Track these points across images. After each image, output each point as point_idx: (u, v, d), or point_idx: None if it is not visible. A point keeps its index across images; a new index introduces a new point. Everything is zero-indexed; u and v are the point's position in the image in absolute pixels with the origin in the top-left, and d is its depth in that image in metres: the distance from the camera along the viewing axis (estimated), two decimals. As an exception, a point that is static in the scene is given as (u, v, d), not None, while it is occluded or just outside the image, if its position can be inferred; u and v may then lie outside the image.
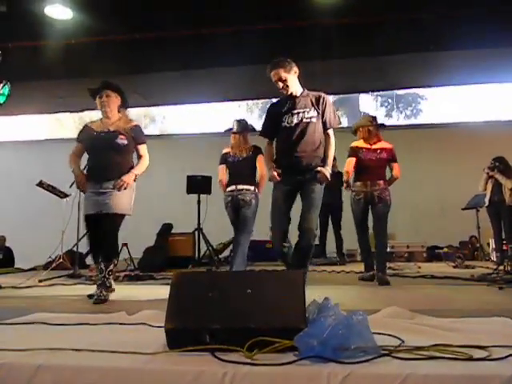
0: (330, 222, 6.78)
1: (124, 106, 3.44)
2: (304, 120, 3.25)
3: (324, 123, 3.31)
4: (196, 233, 6.22)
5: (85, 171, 3.43)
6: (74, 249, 5.71)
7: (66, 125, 10.07)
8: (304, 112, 3.26)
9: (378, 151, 4.38)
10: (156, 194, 8.14)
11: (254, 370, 1.36)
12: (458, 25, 6.15)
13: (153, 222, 6.58)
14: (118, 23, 6.78)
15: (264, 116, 3.49)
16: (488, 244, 6.91)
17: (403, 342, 1.57)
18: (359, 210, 4.29)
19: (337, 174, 6.46)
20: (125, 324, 2.10)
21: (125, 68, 6.87)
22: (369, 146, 4.41)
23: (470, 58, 6.68)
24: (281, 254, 3.27)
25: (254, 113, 10.81)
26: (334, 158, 5.57)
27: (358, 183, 4.30)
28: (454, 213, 7.54)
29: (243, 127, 4.54)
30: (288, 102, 3.31)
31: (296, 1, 6.37)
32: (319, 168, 3.22)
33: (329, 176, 3.24)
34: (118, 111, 3.40)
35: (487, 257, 6.75)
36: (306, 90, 3.36)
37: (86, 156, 3.42)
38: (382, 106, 11.00)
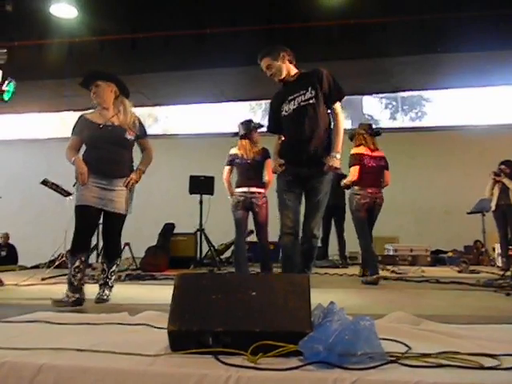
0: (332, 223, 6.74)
1: (123, 93, 3.22)
2: (301, 104, 2.96)
3: (326, 100, 2.96)
4: (198, 233, 6.19)
5: None
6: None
7: (70, 124, 10.06)
8: (300, 96, 2.97)
9: (378, 159, 4.55)
10: (158, 194, 8.13)
11: (257, 375, 1.33)
12: (465, 26, 6.11)
13: (155, 221, 6.57)
14: (122, 22, 6.79)
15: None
16: (493, 249, 6.85)
17: (410, 348, 1.54)
18: (363, 214, 4.40)
19: (341, 176, 6.43)
20: (127, 325, 2.08)
21: (129, 67, 6.86)
22: (370, 153, 4.53)
23: (477, 60, 6.64)
24: (283, 247, 2.99)
25: (257, 113, 10.77)
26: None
27: (363, 189, 4.41)
28: (459, 217, 7.48)
29: (246, 129, 4.53)
30: (284, 90, 3.09)
31: (300, 1, 6.35)
32: (326, 159, 2.89)
33: (338, 164, 2.88)
34: (116, 98, 3.19)
35: (492, 262, 6.69)
36: (301, 73, 3.10)
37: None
38: (386, 108, 10.92)
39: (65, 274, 4.90)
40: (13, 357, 1.52)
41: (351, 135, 4.77)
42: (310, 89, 2.95)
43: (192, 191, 6.27)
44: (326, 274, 5.38)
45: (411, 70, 7.25)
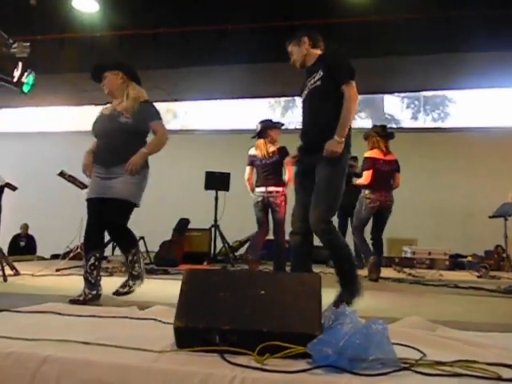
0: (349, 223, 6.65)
1: (132, 78, 3.07)
2: (310, 88, 2.75)
3: (333, 81, 2.65)
4: (212, 229, 6.18)
5: None
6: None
7: (90, 117, 10.18)
8: (313, 79, 2.74)
9: (391, 162, 4.67)
10: (174, 189, 8.16)
11: (263, 376, 1.29)
12: (493, 25, 5.93)
13: (170, 216, 6.57)
14: (142, 17, 6.80)
15: None
16: (515, 255, 6.66)
17: (425, 355, 1.48)
18: (368, 216, 4.65)
19: (356, 175, 6.33)
20: (135, 319, 2.07)
21: (148, 62, 6.87)
22: (383, 158, 4.63)
23: (503, 59, 6.44)
24: (291, 246, 2.74)
25: (276, 111, 10.71)
26: (355, 159, 5.52)
27: (374, 193, 4.56)
28: (480, 220, 7.29)
29: (262, 128, 4.61)
30: (306, 77, 2.86)
31: (326, -1, 6.27)
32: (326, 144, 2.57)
33: (338, 148, 2.54)
34: (127, 86, 3.04)
35: (514, 268, 6.50)
36: (319, 55, 2.85)
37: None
38: (407, 107, 10.73)
39: (79, 266, 5.00)
40: (18, 347, 1.52)
41: (366, 136, 4.83)
42: (319, 71, 2.71)
43: (208, 187, 6.26)
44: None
45: (435, 69, 7.08)
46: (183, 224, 6.51)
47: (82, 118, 10.50)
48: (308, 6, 6.26)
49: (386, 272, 4.96)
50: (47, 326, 1.91)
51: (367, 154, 4.65)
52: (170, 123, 9.96)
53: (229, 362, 1.38)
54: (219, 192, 6.30)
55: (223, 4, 6.53)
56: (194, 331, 1.51)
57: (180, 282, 1.67)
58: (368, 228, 4.81)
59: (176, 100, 9.22)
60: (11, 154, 9.81)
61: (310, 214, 2.58)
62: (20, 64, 4.18)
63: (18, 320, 2.05)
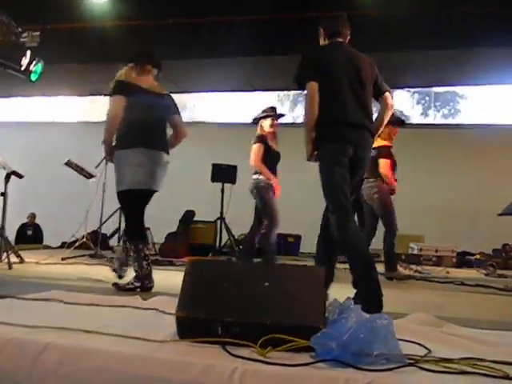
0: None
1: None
2: None
3: None
4: (218, 222, 6.16)
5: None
6: (98, 230, 5.76)
7: (99, 108, 10.20)
8: None
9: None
10: (181, 181, 8.13)
11: (265, 369, 1.27)
12: (506, 21, 5.82)
13: (176, 208, 6.56)
14: (151, 8, 6.75)
15: None
16: (523, 253, 6.58)
17: (430, 351, 1.45)
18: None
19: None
20: (138, 308, 2.06)
21: (157, 53, 6.84)
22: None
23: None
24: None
25: (284, 104, 10.63)
26: None
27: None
28: (489, 218, 7.19)
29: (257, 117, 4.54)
30: None
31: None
32: None
33: (307, 154, 2.66)
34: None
35: (522, 267, 6.43)
36: None
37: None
38: (418, 103, 10.59)
39: (84, 255, 5.03)
40: (19, 334, 1.51)
41: None
42: None
43: (214, 179, 6.23)
44: (345, 269, 5.24)
45: (446, 65, 6.98)
46: (189, 216, 6.51)
47: (90, 108, 10.52)
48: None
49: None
50: (49, 314, 1.90)
51: (386, 143, 4.42)
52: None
53: (230, 353, 1.36)
54: (225, 185, 6.27)
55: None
56: (196, 322, 1.49)
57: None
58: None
59: (185, 92, 9.19)
60: (19, 143, 9.85)
61: None
62: (28, 52, 4.17)
63: (20, 307, 2.05)
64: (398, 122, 4.54)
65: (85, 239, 5.38)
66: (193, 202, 6.78)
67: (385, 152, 4.36)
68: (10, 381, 1.39)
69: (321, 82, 2.62)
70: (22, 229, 8.34)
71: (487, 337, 1.73)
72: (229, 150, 7.51)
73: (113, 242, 6.63)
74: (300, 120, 8.64)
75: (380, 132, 2.91)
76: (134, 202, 3.02)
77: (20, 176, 4.30)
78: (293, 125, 8.31)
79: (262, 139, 4.40)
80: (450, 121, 10.27)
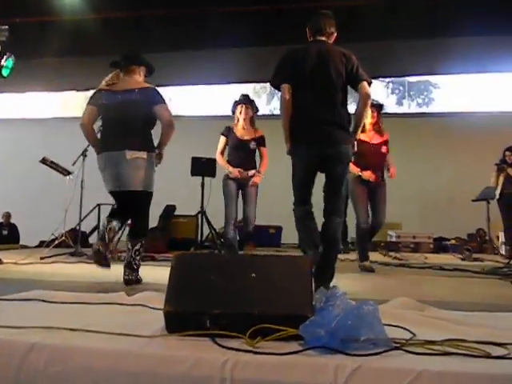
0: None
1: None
2: None
3: None
4: (199, 216, 6.14)
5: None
6: (77, 227, 5.66)
7: (72, 104, 9.99)
8: None
9: None
10: (160, 175, 8.02)
11: (256, 359, 1.28)
12: (477, 9, 5.92)
13: (156, 203, 6.47)
14: (124, 0, 6.62)
15: None
16: (497, 237, 6.78)
17: (414, 335, 1.49)
18: None
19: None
20: (123, 305, 2.04)
21: (131, 46, 6.71)
22: None
23: (489, 44, 6.47)
24: None
25: (261, 97, 10.62)
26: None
27: None
28: (463, 204, 7.40)
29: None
30: None
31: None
32: None
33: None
34: None
35: (496, 250, 6.63)
36: None
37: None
38: (392, 93, 10.76)
39: (63, 254, 4.94)
40: (4, 335, 1.49)
41: None
42: None
43: (194, 173, 6.19)
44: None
45: (420, 54, 7.08)
46: (169, 210, 6.45)
47: (63, 104, 10.29)
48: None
49: (372, 256, 4.99)
50: (33, 314, 1.87)
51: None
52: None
53: (220, 345, 1.37)
54: (206, 178, 6.24)
55: (206, -14, 6.40)
56: (184, 316, 1.49)
57: (167, 269, 1.65)
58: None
59: (159, 85, 9.07)
60: (-9, 141, 9.59)
61: None
62: (-1, 47, 4.05)
63: (2, 308, 2.00)
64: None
65: (64, 237, 5.28)
66: (173, 197, 6.73)
67: None
68: (-3, 383, 1.37)
69: (293, 84, 2.80)
70: (-3, 229, 8.15)
71: (468, 318, 1.79)
72: (207, 144, 7.47)
73: (92, 239, 6.54)
74: (277, 112, 8.63)
75: (362, 122, 2.93)
76: (116, 201, 3.21)
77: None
78: (271, 117, 8.30)
79: (224, 131, 4.47)
80: (424, 109, 10.46)
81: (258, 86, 10.30)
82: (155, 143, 3.22)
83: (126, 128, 3.02)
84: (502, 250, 6.36)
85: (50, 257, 4.68)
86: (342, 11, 6.26)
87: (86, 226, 5.85)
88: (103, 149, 3.08)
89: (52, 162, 5.25)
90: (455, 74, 8.54)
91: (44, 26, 6.93)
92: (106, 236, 2.95)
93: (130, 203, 3.09)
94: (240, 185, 4.33)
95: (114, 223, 2.99)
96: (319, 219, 2.82)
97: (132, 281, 3.02)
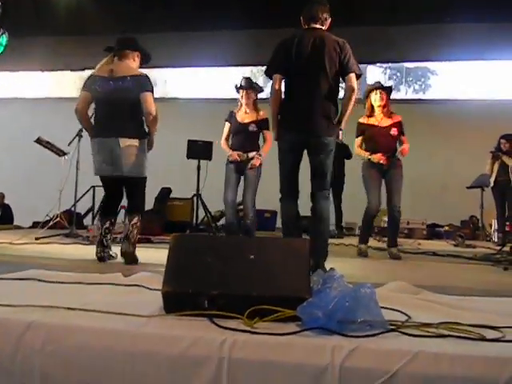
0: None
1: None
2: None
3: None
4: (195, 198, 6.13)
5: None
6: (72, 209, 5.64)
7: (65, 84, 9.87)
8: None
9: None
10: (156, 158, 7.97)
11: (253, 338, 1.29)
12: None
13: (152, 186, 6.46)
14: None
15: None
16: (490, 225, 6.85)
17: (410, 317, 1.51)
18: None
19: (341, 146, 6.33)
20: (120, 285, 2.05)
21: (125, 27, 6.60)
22: None
23: (488, 32, 6.42)
24: None
25: (258, 80, 10.53)
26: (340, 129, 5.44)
27: None
28: (457, 191, 7.44)
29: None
30: None
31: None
32: None
33: None
34: None
35: (488, 237, 6.71)
36: None
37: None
38: (390, 78, 10.71)
39: (59, 234, 4.93)
40: (1, 314, 1.48)
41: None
42: None
43: (190, 156, 6.16)
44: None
45: (418, 40, 7.02)
46: (165, 193, 6.44)
47: (57, 83, 10.15)
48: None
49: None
50: (30, 293, 1.87)
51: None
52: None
53: (218, 325, 1.37)
54: (202, 161, 6.21)
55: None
56: (182, 296, 1.50)
57: (163, 250, 1.65)
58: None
59: (155, 67, 8.95)
60: (-17, 120, 9.47)
61: None
62: (-9, 25, 3.98)
63: (-1, 287, 2.00)
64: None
65: (59, 218, 5.27)
66: (169, 180, 6.71)
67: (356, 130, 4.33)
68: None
69: (286, 73, 2.90)
70: (-9, 209, 8.10)
71: (462, 302, 1.81)
72: (204, 127, 7.43)
73: (87, 221, 6.53)
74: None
75: (348, 112, 2.95)
76: (104, 185, 3.36)
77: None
78: (266, 100, 8.26)
79: (228, 116, 4.48)
80: (420, 96, 10.44)
81: (255, 68, 10.20)
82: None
83: (118, 115, 3.09)
84: (495, 238, 6.42)
85: (45, 237, 4.67)
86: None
87: (80, 208, 5.83)
88: (96, 134, 3.18)
89: (47, 142, 5.21)
90: (453, 60, 8.49)
91: (39, 4, 6.78)
92: (104, 240, 3.17)
93: (120, 188, 3.26)
94: (240, 169, 4.33)
95: (108, 223, 3.22)
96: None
97: (130, 254, 3.13)
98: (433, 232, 7.06)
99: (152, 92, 3.17)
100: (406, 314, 1.54)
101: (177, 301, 1.50)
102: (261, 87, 4.58)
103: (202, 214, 6.27)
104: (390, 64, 10.17)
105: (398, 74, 10.61)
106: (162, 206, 6.23)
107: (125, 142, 3.06)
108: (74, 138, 4.99)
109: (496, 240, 6.23)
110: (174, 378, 1.26)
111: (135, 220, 3.17)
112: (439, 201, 8.07)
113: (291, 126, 2.88)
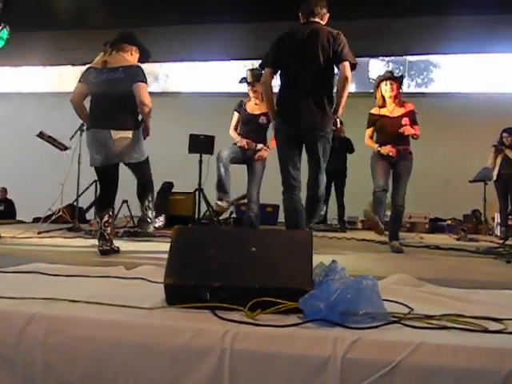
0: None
1: None
2: None
3: None
4: (197, 193, 6.13)
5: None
6: (75, 203, 5.65)
7: (68, 79, 9.87)
8: None
9: None
10: (158, 152, 7.96)
11: (255, 330, 1.29)
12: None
13: (154, 180, 6.46)
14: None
15: None
16: (493, 218, 6.83)
17: (412, 310, 1.50)
18: None
19: (343, 140, 6.32)
20: (123, 278, 2.05)
21: (127, 21, 6.57)
22: None
23: (491, 24, 6.37)
24: None
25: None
26: (341, 122, 5.37)
27: None
28: (460, 185, 7.42)
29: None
30: None
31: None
32: None
33: None
34: None
35: (491, 231, 6.69)
36: None
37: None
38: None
39: (61, 229, 4.95)
40: (3, 306, 1.49)
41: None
42: None
43: (191, 150, 6.16)
44: (324, 236, 5.35)
45: (421, 33, 6.97)
46: (167, 187, 6.44)
47: (59, 78, 10.14)
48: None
49: (368, 235, 5.04)
50: (33, 286, 1.87)
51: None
52: (151, 86, 9.69)
53: (220, 317, 1.37)
54: (203, 155, 6.20)
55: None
56: (184, 288, 1.50)
57: (165, 244, 1.64)
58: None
59: (156, 61, 8.91)
60: (-14, 115, 9.48)
61: None
62: (-8, 18, 3.97)
63: (1, 280, 2.01)
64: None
65: (61, 213, 5.28)
66: (170, 174, 6.71)
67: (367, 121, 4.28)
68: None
69: (280, 67, 2.97)
70: (-7, 204, 8.13)
71: (465, 295, 1.80)
72: (205, 121, 7.42)
73: (89, 215, 6.53)
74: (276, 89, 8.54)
75: (344, 102, 2.94)
76: (99, 177, 3.39)
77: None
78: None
79: (237, 106, 4.49)
80: (423, 89, 10.39)
81: (256, 63, 10.19)
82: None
83: (111, 106, 3.10)
84: (497, 231, 6.41)
85: (47, 231, 4.68)
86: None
87: (83, 202, 5.84)
88: (90, 126, 3.21)
89: (49, 136, 5.20)
90: (456, 53, 8.44)
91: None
92: (105, 234, 3.18)
93: (114, 180, 3.28)
94: (246, 158, 4.34)
95: (106, 217, 3.21)
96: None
97: (148, 233, 3.42)
98: (435, 226, 7.05)
99: (145, 82, 3.17)
100: (409, 307, 1.54)
101: (179, 293, 1.50)
102: None
103: (204, 208, 6.28)
104: (392, 57, 10.12)
105: (401, 68, 10.55)
106: (164, 201, 6.24)
107: (117, 134, 3.08)
108: (76, 132, 4.99)
109: (499, 234, 6.22)
110: (176, 369, 1.26)
111: (147, 203, 3.36)
112: (442, 195, 8.05)
113: (287, 118, 2.92)
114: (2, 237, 4.16)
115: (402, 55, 9.43)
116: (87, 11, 6.48)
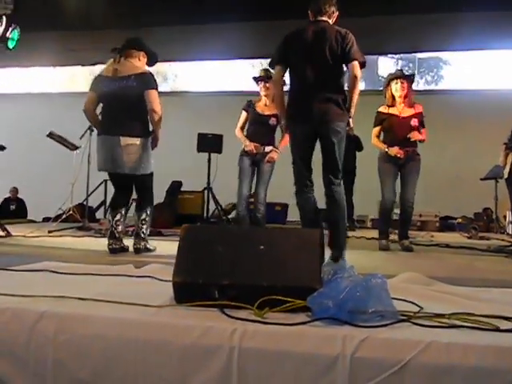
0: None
1: None
2: None
3: None
4: (205, 191, 6.15)
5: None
6: (84, 202, 5.70)
7: (79, 79, 9.95)
8: None
9: None
10: (167, 151, 7.99)
11: (264, 328, 1.29)
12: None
13: (163, 179, 6.50)
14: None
15: None
16: (504, 217, 6.75)
17: (422, 308, 1.49)
18: None
19: (352, 138, 6.28)
20: (132, 276, 2.06)
21: (135, 21, 6.60)
22: None
23: (501, 20, 6.30)
24: None
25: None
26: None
27: None
28: (470, 183, 7.34)
29: None
30: None
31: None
32: None
33: None
34: None
35: (502, 230, 6.61)
36: None
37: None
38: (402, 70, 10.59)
39: (71, 228, 4.99)
40: (15, 303, 1.50)
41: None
42: None
43: (200, 149, 6.17)
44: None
45: (430, 29, 6.91)
46: (176, 186, 6.47)
47: (69, 78, 10.22)
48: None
49: (377, 234, 4.99)
50: (43, 284, 1.90)
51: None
52: (160, 86, 9.73)
53: (229, 315, 1.38)
54: (212, 154, 6.22)
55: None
56: (193, 286, 1.50)
57: (174, 243, 1.65)
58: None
59: (164, 61, 8.94)
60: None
61: None
62: (4, 19, 4.01)
63: (12, 278, 2.03)
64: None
65: (71, 212, 5.32)
66: (179, 173, 6.73)
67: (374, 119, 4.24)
68: (6, 350, 1.39)
69: (289, 64, 2.94)
70: (5, 204, 8.21)
71: (476, 293, 1.79)
72: (214, 120, 7.43)
73: (99, 214, 6.59)
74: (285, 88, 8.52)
75: (355, 101, 2.92)
76: (111, 180, 3.45)
77: (1, 148, 4.21)
78: (287, 93, 8.21)
79: (245, 105, 4.40)
80: (433, 87, 10.30)
81: (264, 61, 10.17)
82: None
83: (121, 113, 3.14)
84: (509, 230, 6.33)
85: (57, 230, 4.73)
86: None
87: (92, 201, 5.89)
88: (101, 132, 3.27)
89: (60, 136, 5.25)
90: (466, 50, 8.34)
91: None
92: (116, 232, 3.23)
93: (126, 183, 3.31)
94: (255, 161, 4.29)
95: (118, 216, 3.27)
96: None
97: (140, 249, 3.24)
98: (446, 224, 6.97)
99: (156, 89, 3.21)
100: (418, 305, 1.52)
101: (187, 291, 1.51)
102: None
103: (212, 206, 6.29)
104: (401, 55, 10.04)
105: (410, 65, 10.47)
106: (173, 199, 6.27)
107: (126, 141, 3.12)
108: (86, 131, 5.02)
109: (510, 232, 6.15)
110: (185, 367, 1.26)
111: (143, 216, 3.29)
112: (452, 192, 7.97)
113: (299, 117, 2.88)
114: (13, 236, 4.21)
115: (411, 52, 9.35)
116: (96, 12, 6.52)
